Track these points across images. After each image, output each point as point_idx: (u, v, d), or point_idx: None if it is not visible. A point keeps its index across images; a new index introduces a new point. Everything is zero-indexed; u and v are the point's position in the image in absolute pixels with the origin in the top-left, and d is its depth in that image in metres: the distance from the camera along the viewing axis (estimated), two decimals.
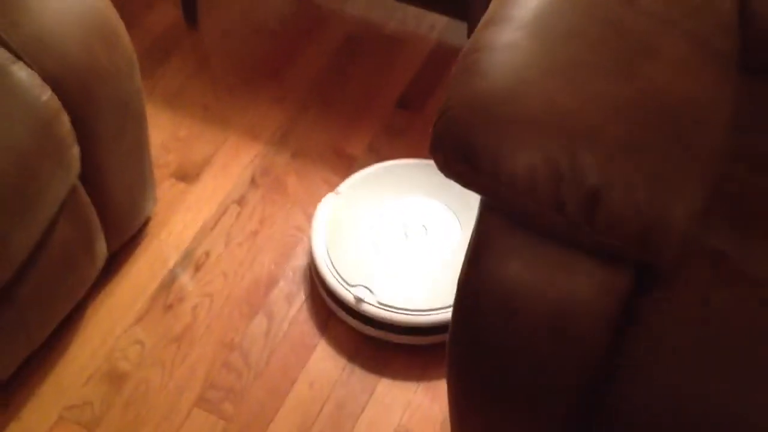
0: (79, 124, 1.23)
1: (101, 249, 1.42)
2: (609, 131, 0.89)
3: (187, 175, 1.68)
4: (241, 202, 1.64)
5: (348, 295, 1.41)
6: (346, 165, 1.69)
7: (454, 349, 1.00)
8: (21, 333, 1.28)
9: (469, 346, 0.98)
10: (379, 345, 1.44)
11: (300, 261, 1.56)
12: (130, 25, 1.95)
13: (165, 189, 1.65)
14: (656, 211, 0.88)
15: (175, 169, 1.69)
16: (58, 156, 1.20)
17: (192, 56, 1.90)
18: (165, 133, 1.75)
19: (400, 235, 1.47)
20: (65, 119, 1.20)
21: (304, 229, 1.60)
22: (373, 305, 1.39)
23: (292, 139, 1.74)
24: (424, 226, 1.48)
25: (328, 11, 1.98)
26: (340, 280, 1.42)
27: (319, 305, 1.49)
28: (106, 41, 1.27)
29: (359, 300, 1.39)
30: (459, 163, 0.91)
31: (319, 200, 1.55)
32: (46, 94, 1.17)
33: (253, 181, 1.67)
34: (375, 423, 1.37)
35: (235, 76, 1.85)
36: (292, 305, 1.50)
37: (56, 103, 1.18)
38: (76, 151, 1.23)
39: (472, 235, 0.97)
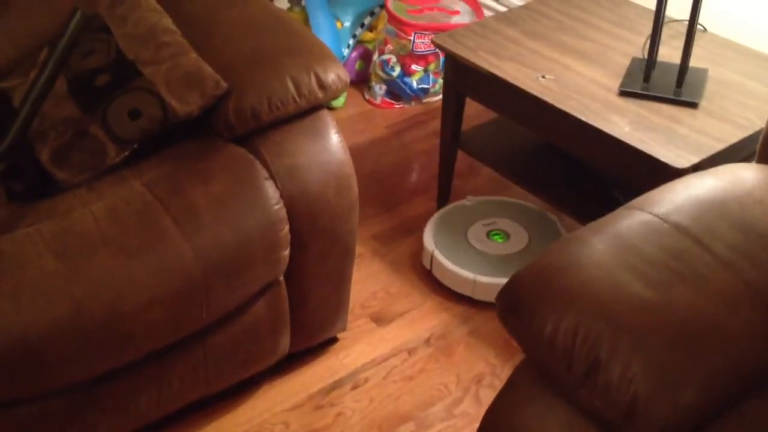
0: (295, 234, 1.65)
1: (284, 342, 1.80)
2: (626, 320, 1.10)
3: (380, 319, 2.03)
4: (411, 352, 1.95)
5: None
6: (509, 354, 1.94)
7: None
8: (200, 372, 1.67)
9: None
10: None
11: (437, 410, 1.81)
12: (393, 205, 2.41)
13: (359, 324, 2.02)
14: (645, 392, 1.06)
15: (373, 312, 2.05)
16: (271, 250, 1.61)
17: None
18: (379, 286, 2.13)
19: None
20: (285, 227, 1.62)
21: (450, 390, 1.86)
22: None
23: (474, 320, 2.03)
24: None
25: None
26: None
27: None
28: (339, 185, 1.70)
29: None
30: (508, 313, 1.17)
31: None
32: (278, 205, 1.61)
33: (428, 341, 1.98)
34: None
35: None
36: None
37: (283, 213, 1.61)
38: (286, 252, 1.65)
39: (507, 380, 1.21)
